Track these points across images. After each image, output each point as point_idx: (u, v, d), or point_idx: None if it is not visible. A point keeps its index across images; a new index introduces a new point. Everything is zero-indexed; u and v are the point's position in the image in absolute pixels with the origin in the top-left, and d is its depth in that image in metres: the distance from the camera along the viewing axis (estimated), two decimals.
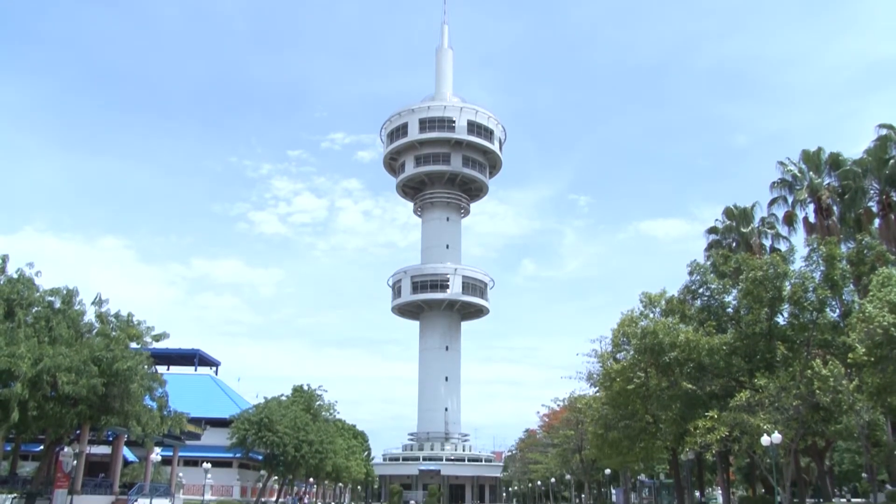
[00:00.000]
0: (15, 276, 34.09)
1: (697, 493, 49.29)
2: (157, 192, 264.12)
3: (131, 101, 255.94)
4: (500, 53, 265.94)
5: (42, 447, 41.08)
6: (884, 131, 42.33)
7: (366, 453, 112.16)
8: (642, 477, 59.25)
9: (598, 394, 45.77)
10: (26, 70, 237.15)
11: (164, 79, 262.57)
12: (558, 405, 73.01)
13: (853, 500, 62.85)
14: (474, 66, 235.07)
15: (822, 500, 35.43)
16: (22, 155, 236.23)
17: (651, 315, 37.65)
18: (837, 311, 33.15)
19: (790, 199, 47.57)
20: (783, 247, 46.43)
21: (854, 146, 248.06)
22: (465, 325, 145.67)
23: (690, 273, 37.46)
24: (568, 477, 78.26)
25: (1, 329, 30.33)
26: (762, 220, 50.98)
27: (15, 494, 31.62)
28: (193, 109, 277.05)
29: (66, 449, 35.82)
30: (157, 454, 47.97)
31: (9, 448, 40.50)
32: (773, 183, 48.31)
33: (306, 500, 77.10)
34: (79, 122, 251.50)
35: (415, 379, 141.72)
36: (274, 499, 73.16)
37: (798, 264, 34.10)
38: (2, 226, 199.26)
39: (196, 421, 55.42)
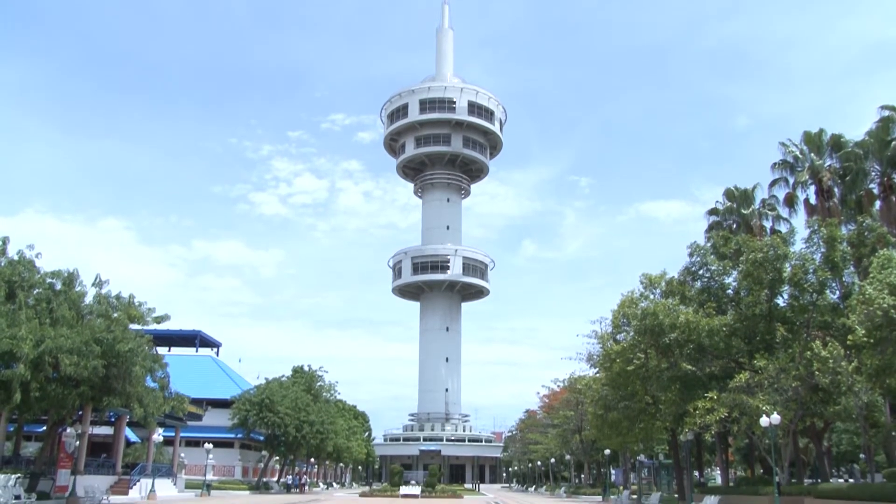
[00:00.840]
0: (16, 258, 34.13)
1: (696, 474, 49.57)
2: (158, 173, 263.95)
3: (131, 83, 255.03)
4: (500, 34, 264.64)
5: (45, 428, 41.31)
6: (886, 113, 42.09)
7: (366, 434, 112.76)
8: (642, 457, 59.53)
9: (597, 375, 45.91)
10: (26, 52, 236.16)
11: (164, 60, 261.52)
12: (558, 386, 73.36)
13: (850, 480, 63.21)
14: (475, 47, 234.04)
15: (819, 480, 35.63)
16: (22, 137, 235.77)
17: (651, 296, 37.65)
18: (837, 292, 33.11)
19: (791, 181, 47.41)
20: (784, 228, 46.33)
21: (856, 128, 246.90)
22: (466, 306, 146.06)
23: (691, 254, 37.44)
24: (568, 457, 78.74)
25: (2, 311, 30.40)
26: (763, 201, 50.85)
27: (19, 474, 31.80)
28: (193, 90, 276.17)
29: (68, 430, 36.02)
30: (159, 435, 48.25)
31: (12, 429, 40.69)
32: (774, 164, 48.14)
33: (304, 479, 77.48)
34: (79, 104, 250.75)
35: (415, 360, 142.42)
36: (275, 479, 73.64)
37: (798, 246, 34.07)
38: (2, 208, 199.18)
39: (197, 402, 55.73)
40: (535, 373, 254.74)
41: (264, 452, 69.59)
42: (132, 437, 58.89)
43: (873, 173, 42.90)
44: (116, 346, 31.49)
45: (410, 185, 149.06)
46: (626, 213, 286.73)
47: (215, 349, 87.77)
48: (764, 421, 28.58)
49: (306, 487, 74.35)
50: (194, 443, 68.52)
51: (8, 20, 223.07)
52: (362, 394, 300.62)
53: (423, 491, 62.64)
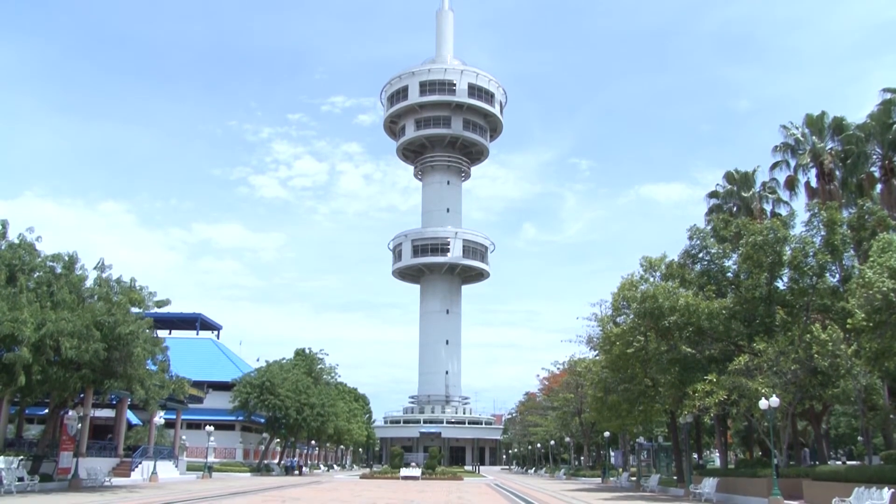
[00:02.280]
0: (16, 241, 34.09)
1: (695, 456, 49.80)
2: (158, 156, 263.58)
3: (131, 65, 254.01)
4: (501, 16, 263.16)
5: (47, 411, 41.47)
6: (887, 96, 41.91)
7: (367, 416, 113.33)
8: (641, 440, 59.76)
9: (597, 357, 46.01)
10: (26, 33, 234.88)
11: (164, 42, 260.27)
12: (558, 368, 73.61)
13: (848, 462, 63.55)
14: (475, 29, 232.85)
15: (817, 462, 35.80)
16: (21, 119, 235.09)
17: (651, 279, 37.69)
18: (837, 276, 33.12)
19: (792, 164, 47.28)
20: (784, 211, 46.28)
21: (858, 111, 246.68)
22: (466, 289, 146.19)
23: (690, 237, 37.43)
24: (567, 439, 79.09)
25: (3, 294, 30.40)
26: (763, 184, 50.71)
27: (21, 457, 31.96)
28: (193, 73, 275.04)
29: (70, 412, 36.17)
30: (160, 417, 48.41)
31: (14, 411, 40.85)
32: (776, 147, 47.97)
33: (300, 462, 77.73)
34: (78, 86, 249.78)
35: (416, 342, 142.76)
36: (276, 461, 74.00)
37: (799, 229, 34.03)
38: (2, 191, 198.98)
39: (198, 384, 55.87)
40: (535, 355, 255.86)
41: (265, 435, 69.92)
42: (134, 419, 59.15)
43: (874, 156, 42.79)
44: (117, 329, 31.52)
45: (411, 168, 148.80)
46: (627, 196, 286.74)
47: (216, 332, 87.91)
48: (763, 404, 28.67)
49: (304, 469, 74.69)
50: (195, 425, 68.80)
51: (8, 1, 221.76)
52: (363, 376, 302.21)
53: (423, 473, 63.00)
